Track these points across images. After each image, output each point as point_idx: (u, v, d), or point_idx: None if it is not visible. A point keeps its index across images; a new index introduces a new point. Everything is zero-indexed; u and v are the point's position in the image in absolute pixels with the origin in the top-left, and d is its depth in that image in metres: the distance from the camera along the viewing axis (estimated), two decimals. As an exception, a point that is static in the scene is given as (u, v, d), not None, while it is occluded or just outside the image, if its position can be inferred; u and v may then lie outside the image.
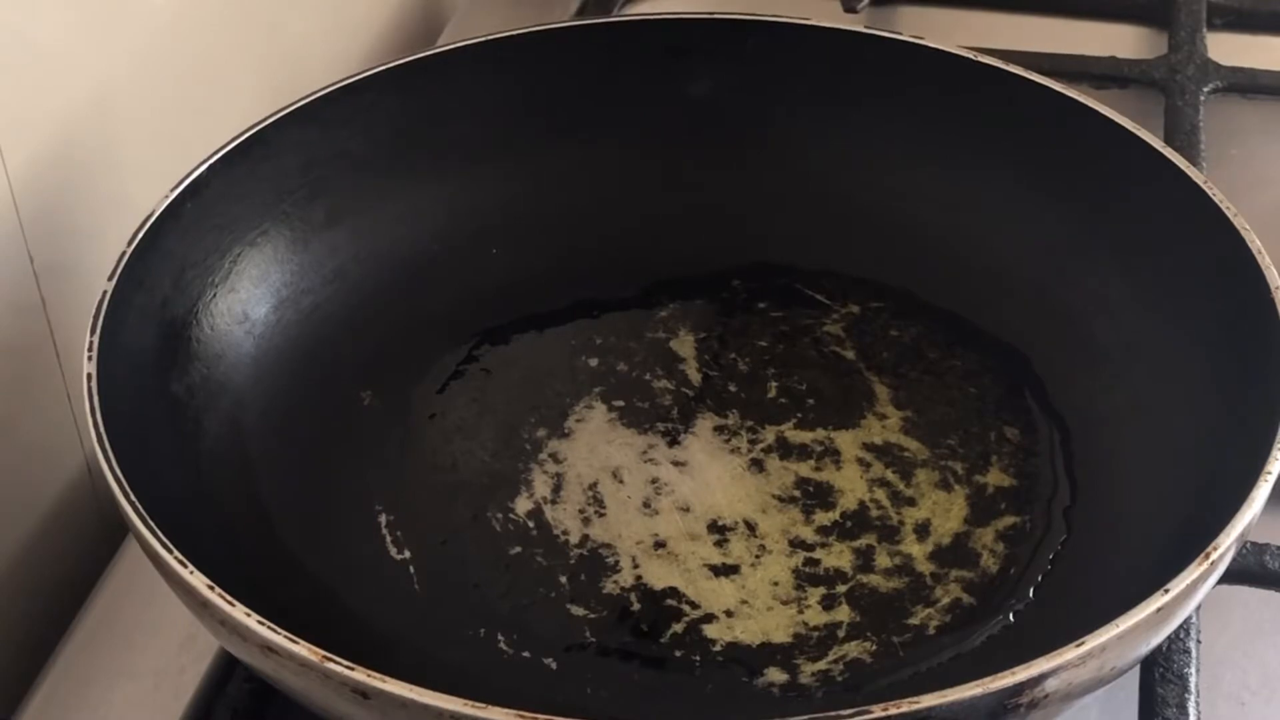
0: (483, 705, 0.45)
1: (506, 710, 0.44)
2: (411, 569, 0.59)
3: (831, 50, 0.71)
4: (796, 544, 0.59)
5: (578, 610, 0.57)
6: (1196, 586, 0.48)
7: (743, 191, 0.72)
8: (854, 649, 0.55)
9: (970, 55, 0.68)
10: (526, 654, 0.56)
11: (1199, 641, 0.57)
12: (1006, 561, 0.58)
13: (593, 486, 0.62)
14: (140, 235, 0.60)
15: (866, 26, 0.74)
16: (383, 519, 0.61)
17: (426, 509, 0.61)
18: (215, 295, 0.63)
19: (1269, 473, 0.50)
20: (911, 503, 0.60)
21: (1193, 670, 0.56)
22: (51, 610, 0.64)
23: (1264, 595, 0.59)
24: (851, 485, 0.61)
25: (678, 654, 0.56)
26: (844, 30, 0.72)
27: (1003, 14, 0.92)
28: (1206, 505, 0.51)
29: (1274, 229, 0.61)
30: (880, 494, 0.61)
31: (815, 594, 0.57)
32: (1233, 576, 0.57)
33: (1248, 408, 0.54)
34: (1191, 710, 0.55)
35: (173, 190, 0.62)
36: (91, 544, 0.66)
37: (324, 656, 0.46)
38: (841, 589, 0.57)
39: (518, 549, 0.60)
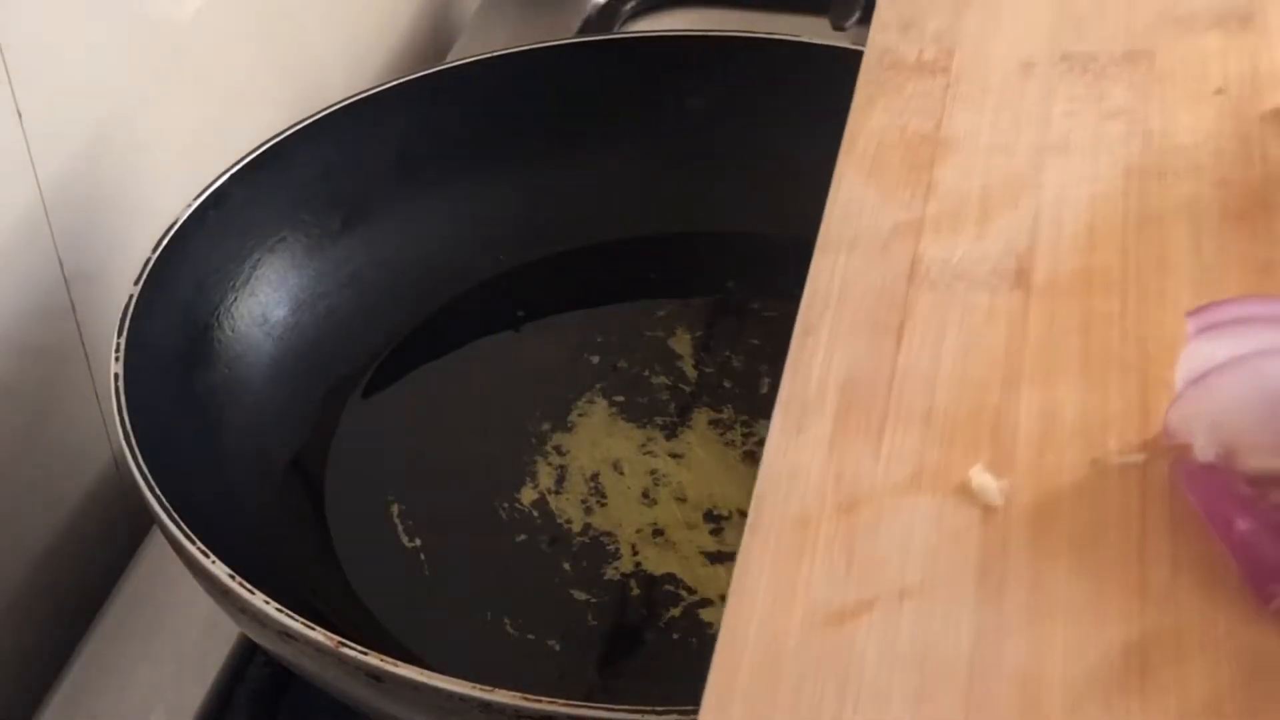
0: (490, 689, 0.44)
1: (512, 693, 0.44)
2: (422, 556, 0.59)
3: (821, 65, 0.70)
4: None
5: (580, 595, 0.57)
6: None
7: (736, 198, 0.72)
8: (843, 632, 0.55)
9: (952, 69, 0.68)
10: (531, 636, 0.55)
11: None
12: (987, 549, 0.58)
13: (594, 477, 0.61)
14: (165, 242, 0.60)
15: (854, 43, 0.73)
16: (395, 509, 0.60)
17: (436, 499, 0.61)
18: (236, 299, 0.63)
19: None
20: (897, 493, 0.60)
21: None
22: (80, 598, 0.64)
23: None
24: (840, 477, 0.61)
25: (675, 636, 0.55)
26: (833, 46, 0.71)
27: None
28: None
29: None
30: (867, 485, 0.60)
31: (806, 580, 0.57)
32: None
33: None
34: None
35: (196, 199, 0.62)
36: (118, 535, 0.66)
37: (339, 642, 0.46)
38: (831, 575, 0.57)
39: (523, 537, 0.59)
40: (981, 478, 0.37)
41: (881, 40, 0.53)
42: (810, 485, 0.38)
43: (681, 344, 0.67)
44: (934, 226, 0.46)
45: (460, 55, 0.80)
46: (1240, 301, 0.39)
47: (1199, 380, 0.37)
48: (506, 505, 0.60)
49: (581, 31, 0.91)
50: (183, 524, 0.50)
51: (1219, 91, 0.49)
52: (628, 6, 0.93)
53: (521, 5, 0.94)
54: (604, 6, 0.93)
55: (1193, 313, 0.38)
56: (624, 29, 0.91)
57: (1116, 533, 0.36)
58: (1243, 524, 0.35)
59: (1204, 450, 0.37)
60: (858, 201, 0.47)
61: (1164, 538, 0.36)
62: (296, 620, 0.47)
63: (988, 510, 0.37)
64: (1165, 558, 0.35)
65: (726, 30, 0.73)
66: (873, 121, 0.49)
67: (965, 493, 0.37)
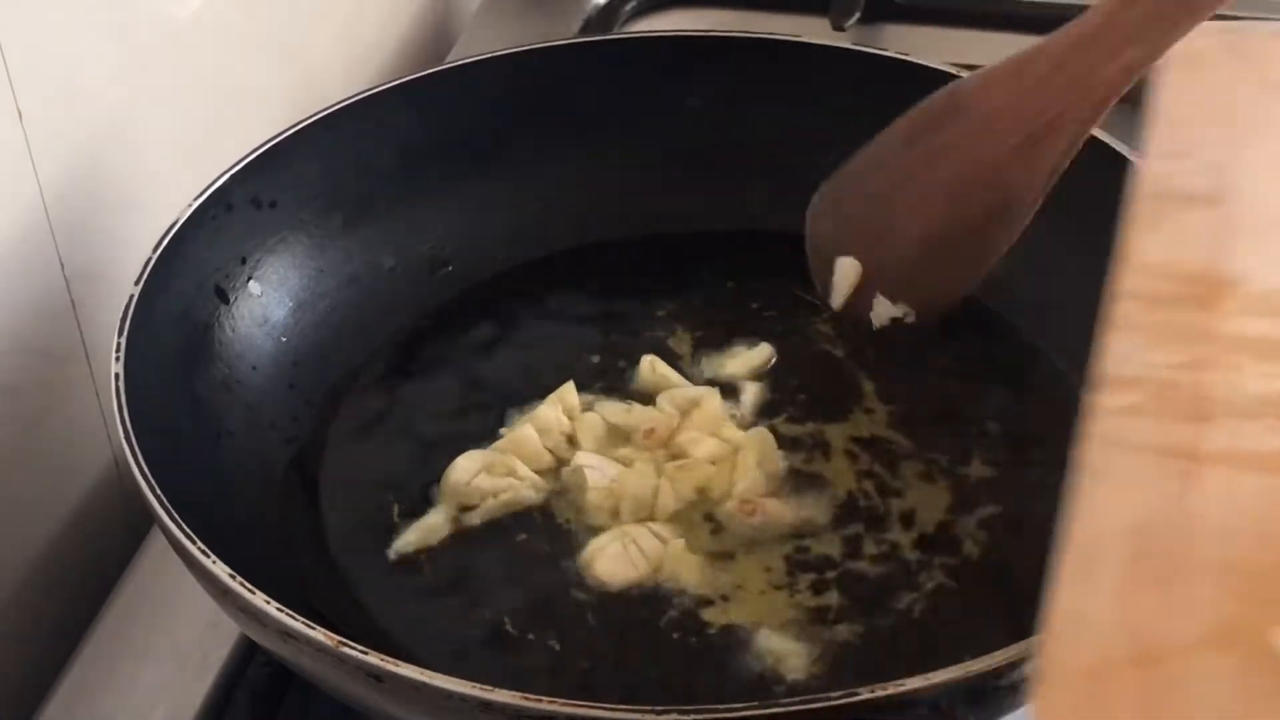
0: (490, 689, 0.44)
1: (512, 693, 0.44)
2: (422, 556, 0.59)
3: (821, 65, 0.70)
4: (788, 532, 0.59)
5: (580, 595, 0.57)
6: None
7: (737, 199, 0.72)
8: (843, 632, 0.55)
9: (954, 71, 0.67)
10: (531, 636, 0.55)
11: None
12: (987, 548, 0.58)
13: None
14: (165, 242, 0.60)
15: (854, 44, 0.73)
16: (395, 509, 0.60)
17: (436, 499, 0.61)
18: (236, 299, 0.63)
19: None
20: (898, 493, 0.60)
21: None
22: (81, 598, 0.64)
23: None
24: (840, 476, 0.61)
25: (675, 636, 0.55)
26: (833, 47, 0.71)
27: (984, 32, 0.91)
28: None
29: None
30: (868, 485, 0.60)
31: (806, 580, 0.57)
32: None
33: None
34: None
35: (196, 199, 0.62)
36: (119, 535, 0.66)
37: (339, 642, 0.46)
38: (831, 575, 0.57)
39: (523, 536, 0.59)
40: None
41: (1156, 168, 0.49)
42: (1100, 635, 0.36)
43: (681, 344, 0.67)
44: (1215, 365, 0.42)
45: (460, 55, 0.80)
46: None
47: None
48: (507, 505, 0.60)
49: (581, 31, 0.91)
50: (183, 524, 0.50)
51: None
52: (628, 6, 0.93)
53: (521, 5, 0.94)
54: (604, 6, 0.93)
55: None
56: (624, 29, 0.91)
57: None
58: None
59: None
60: (1129, 341, 0.44)
61: None
62: (296, 620, 0.47)
63: None
64: None
65: (726, 30, 0.73)
66: (1147, 255, 0.45)
67: (1271, 653, 0.34)
